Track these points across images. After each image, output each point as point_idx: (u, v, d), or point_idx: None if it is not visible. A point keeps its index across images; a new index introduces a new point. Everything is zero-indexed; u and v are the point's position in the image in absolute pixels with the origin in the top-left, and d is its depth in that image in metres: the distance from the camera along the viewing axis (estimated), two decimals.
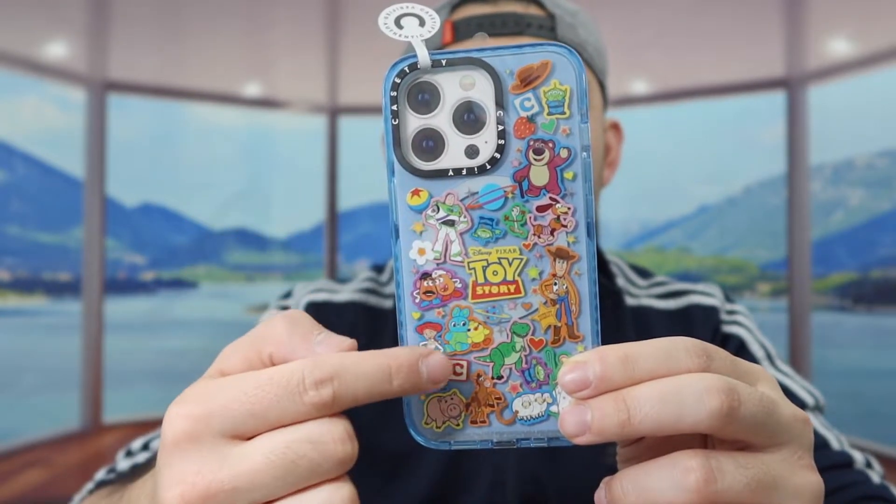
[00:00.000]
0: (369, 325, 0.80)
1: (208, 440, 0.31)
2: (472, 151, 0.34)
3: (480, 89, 0.34)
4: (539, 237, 0.34)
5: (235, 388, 0.31)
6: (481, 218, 0.35)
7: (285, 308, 0.83)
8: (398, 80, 0.34)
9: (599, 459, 0.69)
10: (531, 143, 0.34)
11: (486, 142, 0.34)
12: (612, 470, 0.37)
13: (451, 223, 0.35)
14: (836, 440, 0.70)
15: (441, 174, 0.34)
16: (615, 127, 0.85)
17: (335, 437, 0.31)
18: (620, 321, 0.80)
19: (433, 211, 0.35)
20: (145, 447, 0.73)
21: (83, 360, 5.03)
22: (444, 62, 0.34)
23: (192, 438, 0.31)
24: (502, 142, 0.34)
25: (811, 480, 0.34)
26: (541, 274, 0.35)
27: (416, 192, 0.35)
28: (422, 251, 0.35)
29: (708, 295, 0.84)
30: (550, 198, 0.34)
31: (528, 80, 0.34)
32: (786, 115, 5.03)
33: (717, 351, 0.34)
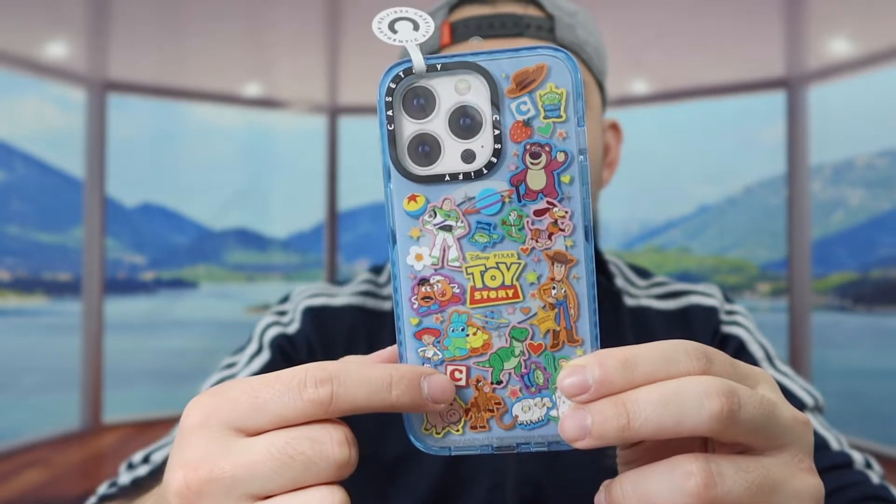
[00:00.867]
0: (368, 328, 0.79)
1: (215, 430, 0.33)
2: (468, 156, 0.34)
3: (476, 93, 0.34)
4: (537, 241, 0.34)
5: (245, 384, 0.33)
6: (478, 223, 0.35)
7: (282, 313, 0.82)
8: (393, 85, 0.34)
9: (599, 462, 0.69)
10: (528, 146, 0.34)
11: (482, 146, 0.34)
12: (612, 472, 0.37)
13: (448, 228, 0.35)
14: (835, 440, 0.70)
15: (437, 179, 0.34)
16: (614, 127, 0.85)
17: (333, 439, 0.32)
18: (619, 322, 0.80)
19: (430, 216, 0.35)
20: (146, 460, 0.73)
21: (83, 360, 5.03)
22: (439, 66, 0.34)
23: (201, 426, 0.33)
24: (499, 146, 0.34)
25: (811, 484, 0.34)
26: (539, 278, 0.35)
27: (412, 198, 0.35)
28: (419, 257, 0.35)
29: (707, 295, 0.84)
30: (548, 202, 0.34)
31: (523, 83, 0.34)
32: (786, 115, 5.03)
33: (716, 354, 0.34)
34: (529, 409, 0.35)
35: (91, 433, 4.96)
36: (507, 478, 0.72)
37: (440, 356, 0.35)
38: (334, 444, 0.32)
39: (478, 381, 0.35)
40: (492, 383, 0.35)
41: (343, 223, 6.45)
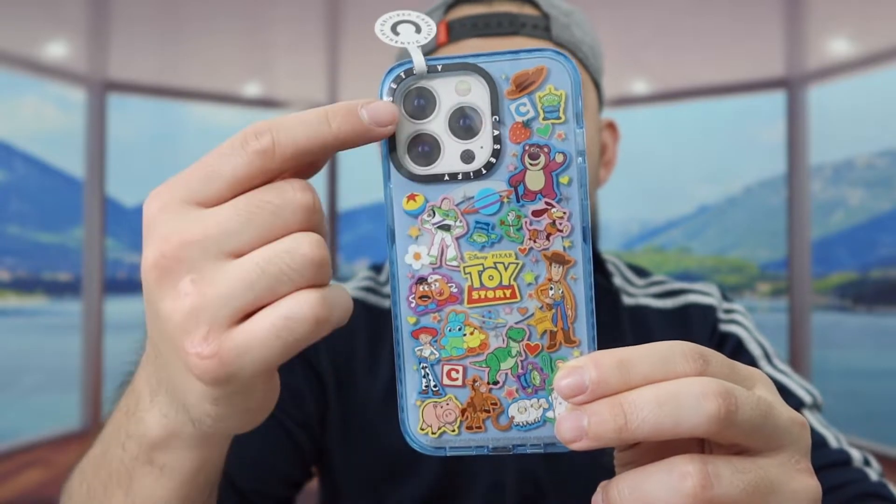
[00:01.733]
0: (369, 322, 0.80)
1: (178, 208, 0.33)
2: (467, 156, 0.35)
3: (476, 94, 0.34)
4: (535, 242, 0.34)
5: (197, 161, 0.34)
6: (477, 223, 0.35)
7: None
8: (394, 86, 0.34)
9: (598, 460, 0.69)
10: (527, 147, 0.34)
11: (481, 147, 0.34)
12: (611, 471, 0.37)
13: (446, 228, 0.35)
14: (833, 438, 0.70)
15: (437, 179, 0.35)
16: (611, 126, 0.85)
17: (294, 187, 0.33)
18: (617, 321, 0.80)
19: (429, 215, 0.35)
20: None
21: (83, 360, 5.03)
22: (439, 68, 0.34)
23: (162, 210, 0.33)
24: (498, 147, 0.34)
25: (808, 485, 0.34)
26: (537, 279, 0.35)
27: (411, 197, 0.35)
28: (417, 256, 0.35)
29: (705, 294, 0.84)
30: (546, 202, 0.34)
31: (523, 85, 0.34)
32: (786, 115, 5.03)
33: (713, 354, 0.34)
34: (526, 410, 0.35)
35: (91, 433, 4.91)
36: (506, 476, 0.72)
37: (437, 355, 0.35)
38: (296, 191, 0.32)
39: (474, 381, 0.35)
40: (488, 384, 0.35)
41: (343, 223, 6.46)
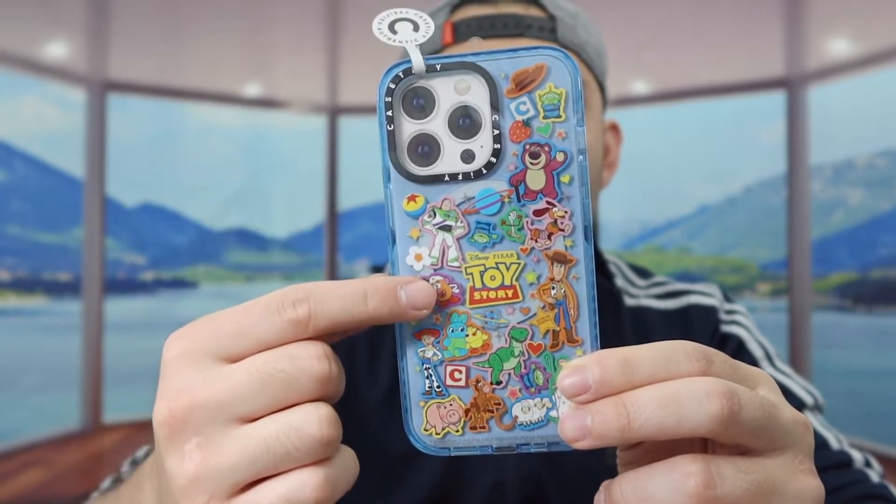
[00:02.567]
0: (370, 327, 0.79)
1: (197, 359, 0.33)
2: (467, 156, 0.34)
3: (475, 94, 0.34)
4: (536, 241, 0.34)
5: (227, 313, 0.33)
6: (478, 223, 0.34)
7: None
8: (393, 86, 0.34)
9: (600, 460, 0.69)
10: (527, 146, 0.34)
11: (481, 146, 0.34)
12: (613, 470, 0.37)
13: (447, 228, 0.35)
14: (835, 439, 0.70)
15: (437, 179, 0.34)
16: (614, 128, 0.85)
17: (311, 355, 0.32)
18: (619, 321, 0.80)
19: (430, 216, 0.35)
20: (149, 455, 0.73)
21: (83, 360, 5.03)
22: (438, 67, 0.34)
23: (182, 357, 0.33)
24: (498, 146, 0.34)
25: (811, 486, 0.33)
26: (539, 278, 0.34)
27: (412, 198, 0.35)
28: (419, 257, 0.35)
29: (707, 295, 0.84)
30: (547, 202, 0.34)
31: (523, 83, 0.34)
32: (786, 115, 5.03)
33: (716, 354, 0.34)
34: (529, 409, 0.35)
35: (91, 433, 4.96)
36: (508, 475, 0.72)
37: (440, 356, 0.35)
38: (313, 360, 0.32)
39: (477, 381, 0.35)
40: (491, 384, 0.35)
41: (343, 223, 6.46)
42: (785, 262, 5.14)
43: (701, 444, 0.35)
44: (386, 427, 0.73)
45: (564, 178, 0.34)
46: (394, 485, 0.74)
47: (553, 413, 0.35)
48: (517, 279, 0.35)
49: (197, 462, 0.31)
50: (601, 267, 0.84)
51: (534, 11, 0.72)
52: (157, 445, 0.33)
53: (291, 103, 6.03)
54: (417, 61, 0.34)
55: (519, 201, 0.34)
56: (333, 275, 6.09)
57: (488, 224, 0.34)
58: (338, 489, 0.32)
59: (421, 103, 0.34)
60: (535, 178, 0.34)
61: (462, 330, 0.35)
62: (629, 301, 0.83)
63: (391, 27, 0.35)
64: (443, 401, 0.35)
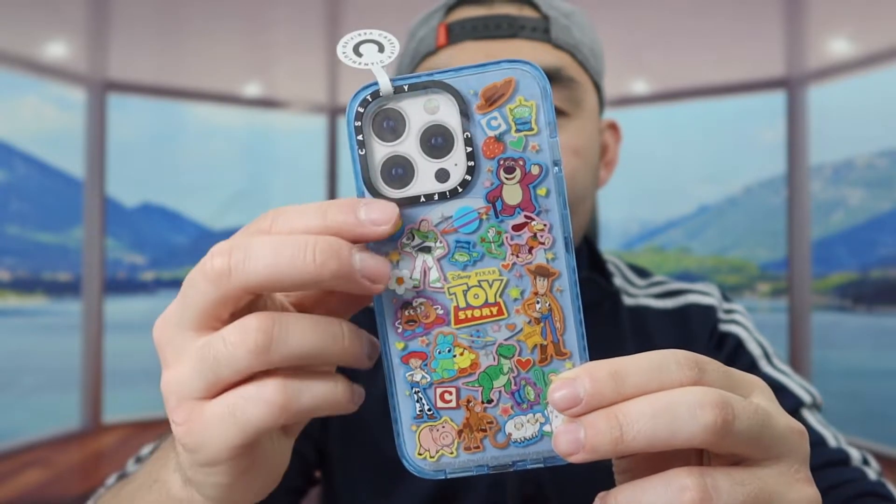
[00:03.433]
0: (370, 326, 0.80)
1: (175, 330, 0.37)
2: (442, 175, 0.34)
3: (445, 112, 0.34)
4: (517, 256, 0.34)
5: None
6: (457, 242, 0.34)
7: None
8: (361, 110, 0.34)
9: (600, 462, 0.69)
10: (501, 162, 0.34)
11: (455, 164, 0.34)
12: (611, 471, 0.37)
13: (427, 250, 0.34)
14: (832, 437, 0.70)
15: (413, 201, 0.34)
16: (613, 127, 0.85)
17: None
18: (618, 321, 0.80)
19: (408, 239, 0.34)
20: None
21: (83, 360, 5.03)
22: (406, 87, 0.34)
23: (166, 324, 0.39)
24: (472, 163, 0.34)
25: (808, 494, 0.33)
26: (522, 293, 0.34)
27: None
28: (400, 280, 0.34)
29: (705, 294, 0.84)
30: (525, 216, 0.34)
31: (492, 98, 0.34)
32: (786, 115, 5.03)
33: (709, 363, 0.33)
34: (522, 425, 0.35)
35: (91, 433, 4.96)
36: (507, 476, 0.72)
37: (428, 379, 0.35)
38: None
39: (468, 401, 0.35)
40: (482, 402, 0.35)
41: None
42: (785, 262, 5.14)
43: (697, 452, 0.35)
44: (385, 428, 0.73)
45: (541, 191, 0.34)
46: (394, 485, 0.74)
47: (546, 428, 0.35)
48: (501, 296, 0.34)
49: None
50: (600, 266, 0.84)
51: (527, 12, 0.72)
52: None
53: (291, 103, 6.03)
54: (384, 83, 0.33)
55: (497, 217, 0.34)
56: None
57: (468, 242, 0.34)
58: (301, 399, 0.33)
59: (391, 125, 0.34)
60: (512, 193, 0.34)
61: (449, 351, 0.35)
62: (628, 300, 0.83)
63: (356, 50, 0.34)
64: (435, 423, 0.35)
